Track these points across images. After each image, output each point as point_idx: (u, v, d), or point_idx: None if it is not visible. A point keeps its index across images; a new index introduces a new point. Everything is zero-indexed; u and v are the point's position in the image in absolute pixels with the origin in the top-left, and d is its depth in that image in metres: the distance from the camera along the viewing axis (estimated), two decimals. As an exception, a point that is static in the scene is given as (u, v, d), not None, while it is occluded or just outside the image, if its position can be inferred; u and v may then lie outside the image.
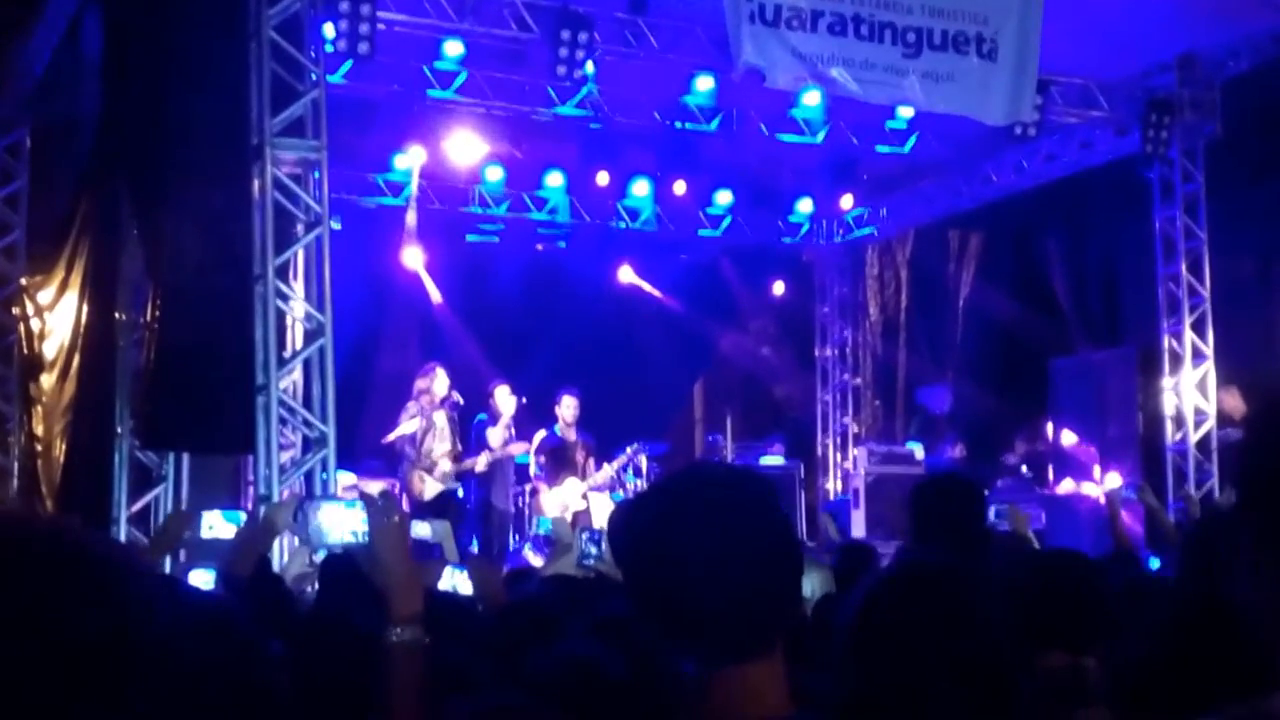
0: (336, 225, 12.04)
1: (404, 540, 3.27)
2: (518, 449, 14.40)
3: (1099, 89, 14.34)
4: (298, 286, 10.84)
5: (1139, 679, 2.35)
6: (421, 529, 10.13)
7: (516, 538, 14.49)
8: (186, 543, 5.89)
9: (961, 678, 2.56)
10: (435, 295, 17.18)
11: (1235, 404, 14.08)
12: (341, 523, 3.56)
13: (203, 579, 5.90)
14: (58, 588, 1.65)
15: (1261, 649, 2.12)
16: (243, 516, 6.66)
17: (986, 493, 7.31)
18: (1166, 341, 14.53)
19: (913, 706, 2.56)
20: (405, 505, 13.49)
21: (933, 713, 2.54)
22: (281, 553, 9.75)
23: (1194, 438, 14.30)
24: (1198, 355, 14.45)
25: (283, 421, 10.41)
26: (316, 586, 6.76)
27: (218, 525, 6.93)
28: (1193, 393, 14.40)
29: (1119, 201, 15.46)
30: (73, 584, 1.66)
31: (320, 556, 6.70)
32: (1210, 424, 14.29)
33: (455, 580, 6.92)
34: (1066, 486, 15.34)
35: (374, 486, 12.98)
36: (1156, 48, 13.74)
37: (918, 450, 16.44)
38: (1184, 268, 14.47)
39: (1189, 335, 14.45)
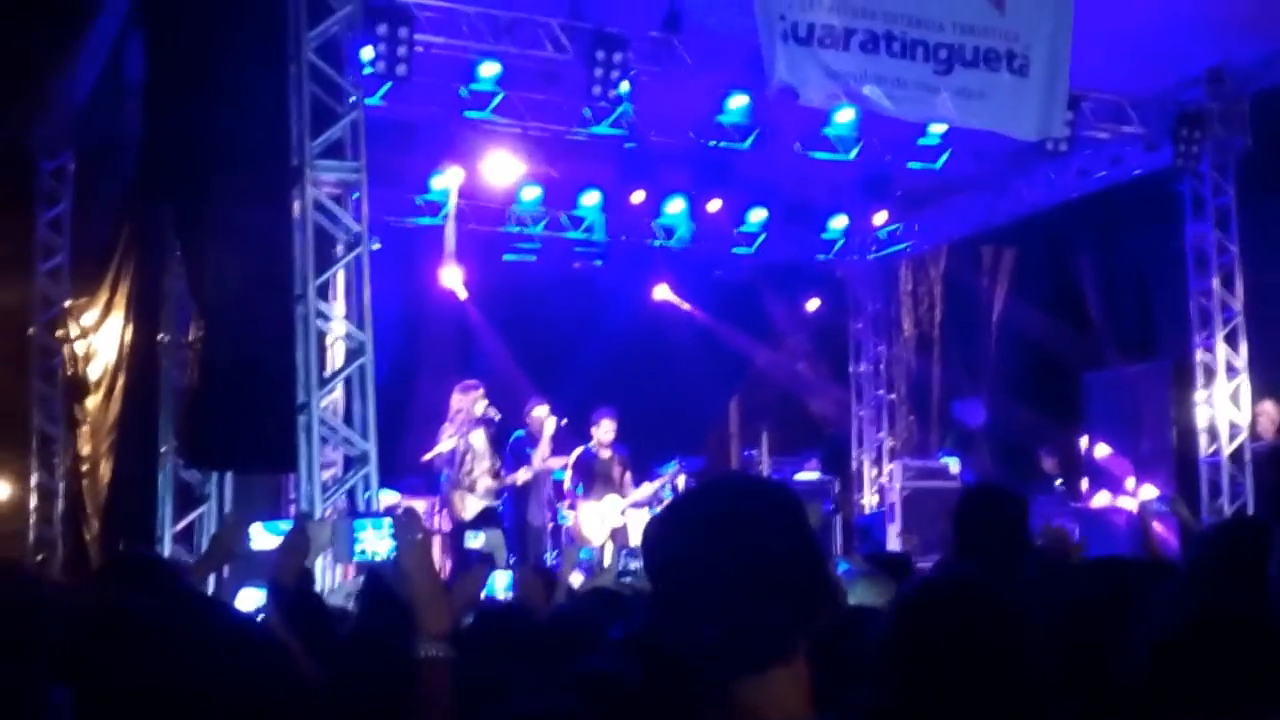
0: (376, 245, 12.15)
1: (429, 556, 3.35)
2: (556, 463, 14.47)
3: (1129, 104, 14.37)
4: (338, 306, 10.94)
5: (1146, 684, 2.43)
6: (475, 540, 10.25)
7: (554, 554, 14.54)
8: (236, 557, 5.95)
9: (993, 690, 2.62)
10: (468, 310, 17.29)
11: (1277, 416, 14.02)
12: (370, 540, 3.65)
13: (254, 598, 5.94)
14: None
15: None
16: (284, 526, 6.75)
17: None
18: (1199, 355, 14.54)
19: (945, 718, 2.62)
20: (447, 524, 13.60)
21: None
22: (324, 572, 9.87)
23: (1227, 450, 14.31)
24: (1230, 368, 14.46)
25: (324, 440, 10.51)
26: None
27: (259, 537, 6.99)
28: (1226, 405, 14.41)
29: (1150, 216, 15.44)
30: None
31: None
32: (1244, 437, 14.30)
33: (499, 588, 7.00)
34: (1100, 499, 15.35)
35: (416, 505, 13.12)
36: (1186, 62, 13.78)
37: (953, 464, 16.47)
38: (1216, 281, 14.49)
39: (1222, 348, 14.46)
